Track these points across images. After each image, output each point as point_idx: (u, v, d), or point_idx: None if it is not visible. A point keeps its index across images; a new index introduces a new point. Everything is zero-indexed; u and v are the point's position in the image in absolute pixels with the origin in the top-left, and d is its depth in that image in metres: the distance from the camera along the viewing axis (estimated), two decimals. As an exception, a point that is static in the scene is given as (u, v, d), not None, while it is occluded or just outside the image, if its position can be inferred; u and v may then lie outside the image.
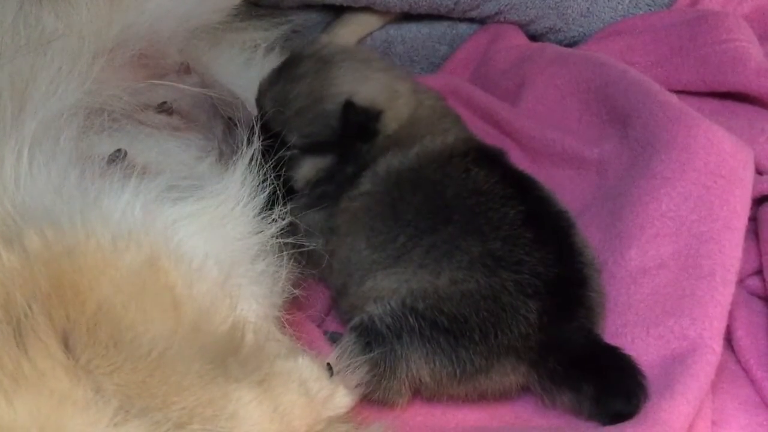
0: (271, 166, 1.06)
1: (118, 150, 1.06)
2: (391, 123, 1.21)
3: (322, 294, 1.24)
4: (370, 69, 1.24)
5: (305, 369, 0.88)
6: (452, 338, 1.05)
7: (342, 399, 0.91)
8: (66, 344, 0.75)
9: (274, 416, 0.80)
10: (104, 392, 0.75)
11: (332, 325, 1.22)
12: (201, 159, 1.17)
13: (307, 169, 1.22)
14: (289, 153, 1.18)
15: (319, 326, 1.20)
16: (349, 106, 1.18)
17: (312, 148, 1.21)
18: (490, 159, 1.19)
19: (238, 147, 1.07)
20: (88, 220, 0.84)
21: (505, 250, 1.08)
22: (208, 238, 0.93)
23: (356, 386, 0.97)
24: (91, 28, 1.12)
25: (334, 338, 1.15)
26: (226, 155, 1.18)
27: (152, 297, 0.80)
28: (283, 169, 1.13)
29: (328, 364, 0.94)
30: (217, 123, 1.25)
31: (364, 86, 1.21)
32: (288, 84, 1.20)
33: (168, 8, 1.22)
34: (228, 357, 0.82)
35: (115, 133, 1.11)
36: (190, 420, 0.76)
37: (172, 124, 1.20)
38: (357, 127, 1.19)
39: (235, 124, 1.22)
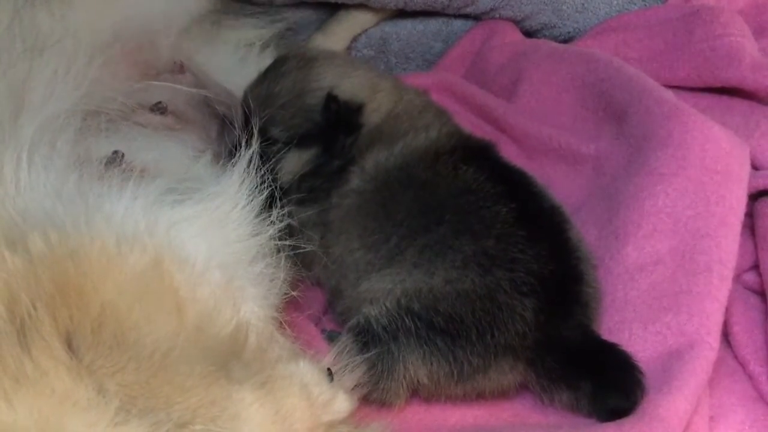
0: (261, 164, 1.06)
1: (116, 152, 1.06)
2: (372, 116, 1.22)
3: (319, 293, 1.24)
4: (351, 67, 1.26)
5: (306, 373, 0.88)
6: (449, 339, 1.05)
7: (342, 404, 0.90)
8: (69, 345, 0.75)
9: (275, 419, 0.80)
10: (106, 392, 0.75)
11: (330, 324, 1.22)
12: (197, 158, 1.18)
13: (292, 162, 1.21)
14: (275, 147, 1.19)
15: (316, 325, 1.19)
16: (331, 98, 1.19)
17: (296, 141, 1.21)
18: (478, 155, 1.19)
19: (233, 147, 1.07)
20: (92, 223, 0.84)
21: (499, 248, 1.08)
22: (209, 241, 0.93)
23: (354, 386, 0.97)
24: (86, 29, 1.12)
25: (332, 337, 1.15)
26: (220, 155, 1.18)
27: (156, 299, 0.81)
28: (269, 163, 1.13)
29: (329, 369, 0.94)
30: (212, 123, 1.25)
31: (346, 81, 1.22)
32: (272, 83, 1.21)
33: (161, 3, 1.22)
34: (231, 359, 0.82)
35: (112, 134, 1.11)
36: (192, 420, 0.76)
37: (167, 123, 1.20)
38: (339, 119, 1.19)
39: (231, 124, 1.23)
